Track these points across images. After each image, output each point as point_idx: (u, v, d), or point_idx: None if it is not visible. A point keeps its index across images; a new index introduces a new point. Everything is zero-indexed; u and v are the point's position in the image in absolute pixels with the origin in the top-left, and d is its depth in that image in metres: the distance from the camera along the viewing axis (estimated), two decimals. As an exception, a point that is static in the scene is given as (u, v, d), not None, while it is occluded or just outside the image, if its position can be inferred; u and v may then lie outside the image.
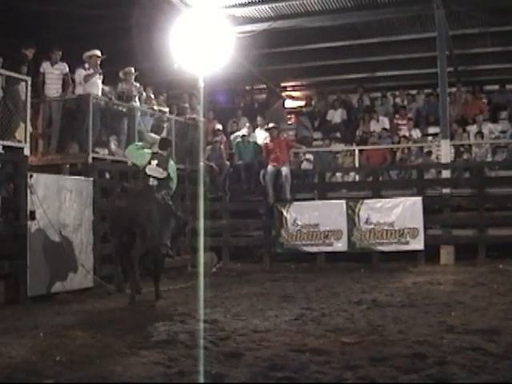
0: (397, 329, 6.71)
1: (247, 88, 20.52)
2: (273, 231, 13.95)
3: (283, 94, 20.73)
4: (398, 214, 13.08)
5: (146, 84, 13.94)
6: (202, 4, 13.83)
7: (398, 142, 15.72)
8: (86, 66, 11.90)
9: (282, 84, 20.42)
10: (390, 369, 5.10)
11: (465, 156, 14.83)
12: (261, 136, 15.43)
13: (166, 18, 13.18)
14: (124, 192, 9.53)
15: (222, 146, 15.26)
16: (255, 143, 15.24)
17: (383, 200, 13.41)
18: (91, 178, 10.97)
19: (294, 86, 20.70)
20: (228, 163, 14.91)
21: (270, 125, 14.81)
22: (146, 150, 9.90)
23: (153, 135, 13.32)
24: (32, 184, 9.48)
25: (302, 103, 20.03)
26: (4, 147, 9.43)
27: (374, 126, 16.56)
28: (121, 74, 13.01)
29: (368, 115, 17.16)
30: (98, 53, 12.00)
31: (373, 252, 13.24)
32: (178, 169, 10.49)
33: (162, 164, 9.65)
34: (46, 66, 11.80)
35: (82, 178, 10.88)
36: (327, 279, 11.31)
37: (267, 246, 14.10)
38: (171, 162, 10.01)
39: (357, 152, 15.32)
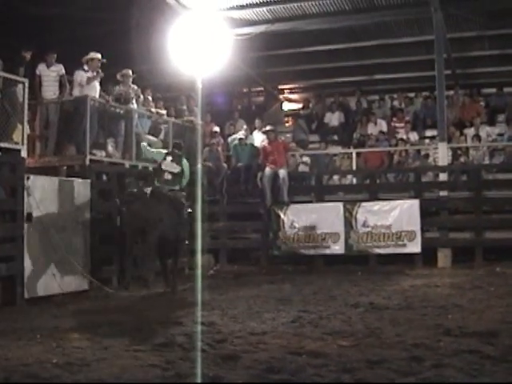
0: (394, 332, 6.70)
1: (245, 90, 20.52)
2: (270, 234, 13.94)
3: (281, 97, 20.75)
4: (396, 217, 13.08)
5: (144, 86, 13.94)
6: (200, 6, 13.85)
7: (396, 145, 15.72)
8: (86, 68, 11.91)
9: (280, 86, 20.45)
10: (387, 372, 5.09)
11: (462, 159, 14.83)
12: (258, 138, 15.42)
13: (164, 20, 13.21)
14: (133, 197, 10.05)
15: (219, 148, 15.25)
16: (252, 145, 15.23)
17: (380, 203, 13.41)
18: (88, 180, 10.98)
19: (291, 88, 20.72)
20: (225, 165, 14.91)
21: (267, 127, 14.80)
22: (161, 150, 10.87)
23: (150, 137, 13.35)
24: (29, 186, 9.49)
25: (300, 106, 20.05)
26: (1, 149, 9.42)
27: (372, 129, 16.58)
28: (118, 76, 13.02)
29: (366, 118, 17.18)
30: (99, 56, 12.01)
31: (370, 255, 13.23)
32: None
33: (176, 160, 10.44)
34: (41, 68, 11.80)
35: (80, 180, 10.87)
36: (324, 282, 11.29)
37: (264, 248, 14.10)
38: (184, 160, 10.66)
39: (354, 155, 15.32)
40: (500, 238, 12.89)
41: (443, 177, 13.77)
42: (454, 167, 14.27)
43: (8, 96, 9.75)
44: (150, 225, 9.43)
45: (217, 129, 16.04)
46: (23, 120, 9.92)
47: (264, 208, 14.02)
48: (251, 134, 15.86)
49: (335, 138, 17.80)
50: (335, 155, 16.45)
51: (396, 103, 18.34)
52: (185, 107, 15.48)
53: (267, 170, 14.06)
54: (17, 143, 9.73)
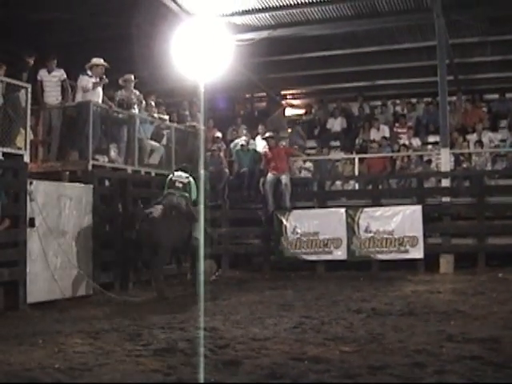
0: (396, 337, 6.69)
1: (247, 96, 20.54)
2: (272, 239, 13.94)
3: (283, 103, 20.76)
4: (398, 223, 13.07)
5: (147, 92, 13.96)
6: (202, 12, 13.87)
7: (398, 151, 15.72)
8: (89, 73, 11.93)
9: (282, 92, 20.43)
10: (389, 378, 5.09)
11: (464, 165, 14.82)
12: (261, 144, 15.43)
13: (167, 25, 13.22)
14: (147, 217, 10.64)
15: (221, 154, 15.26)
16: (255, 151, 15.25)
17: (383, 208, 13.40)
18: (91, 185, 11.00)
19: (294, 94, 20.71)
20: (227, 171, 14.91)
21: (267, 134, 14.79)
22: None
23: (153, 143, 13.37)
24: (32, 191, 9.51)
25: (302, 111, 20.06)
26: (4, 154, 9.43)
27: (374, 135, 16.58)
28: (120, 81, 13.05)
29: (368, 124, 17.19)
30: (103, 62, 12.04)
31: (372, 260, 13.22)
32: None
33: (185, 173, 11.55)
34: (43, 74, 11.81)
35: (82, 185, 10.90)
36: (326, 287, 11.29)
37: (267, 254, 14.10)
38: (191, 179, 11.52)
39: (357, 160, 15.31)
40: (502, 244, 12.86)
41: (445, 183, 13.75)
42: (456, 173, 14.25)
43: (11, 101, 9.77)
44: (162, 242, 10.56)
45: (219, 134, 16.06)
46: (26, 125, 9.94)
47: (266, 214, 14.02)
48: (254, 139, 15.88)
49: (337, 143, 17.80)
50: (337, 161, 16.45)
51: (398, 109, 18.34)
52: (187, 112, 15.51)
53: (269, 175, 14.07)
54: (19, 148, 9.74)
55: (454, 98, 17.28)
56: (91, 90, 11.79)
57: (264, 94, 20.33)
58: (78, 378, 5.26)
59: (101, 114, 11.89)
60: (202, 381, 5.10)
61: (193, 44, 12.75)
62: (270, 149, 14.45)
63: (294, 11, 14.19)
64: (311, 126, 18.78)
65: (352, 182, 15.45)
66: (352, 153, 16.47)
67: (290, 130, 18.42)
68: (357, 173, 15.19)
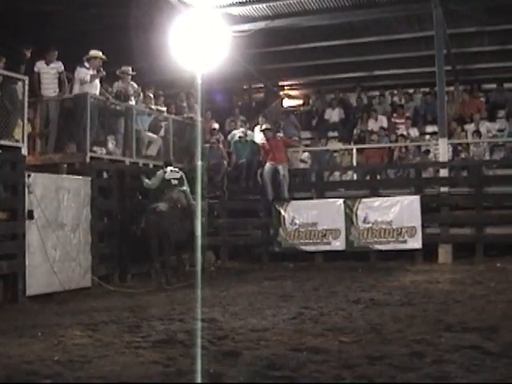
0: (395, 327, 6.71)
1: (245, 87, 20.49)
2: (271, 230, 13.96)
3: (281, 93, 20.73)
4: (396, 213, 13.09)
5: (145, 84, 13.93)
6: (200, 3, 13.82)
7: (396, 141, 15.71)
8: (87, 65, 11.90)
9: (280, 83, 20.42)
10: (388, 367, 5.10)
11: (462, 155, 14.81)
12: (259, 135, 15.39)
13: (164, 17, 13.17)
14: (155, 211, 11.13)
15: (220, 146, 15.25)
16: (253, 142, 15.22)
17: (381, 199, 13.42)
18: (89, 178, 11.00)
19: (291, 84, 20.68)
20: (225, 162, 14.90)
21: (264, 126, 14.76)
22: (157, 175, 12.03)
23: (150, 134, 13.35)
24: (30, 183, 9.50)
25: (300, 102, 20.03)
26: (2, 147, 9.43)
27: (372, 125, 16.57)
28: (118, 73, 13.02)
29: (366, 114, 17.17)
30: (101, 55, 12.01)
31: (371, 251, 13.25)
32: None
33: (172, 166, 12.17)
34: (40, 66, 11.75)
35: (80, 177, 10.89)
36: (325, 278, 11.31)
37: (265, 245, 14.11)
38: (181, 173, 12.18)
39: (354, 151, 15.30)
40: (500, 234, 12.88)
41: (444, 173, 13.77)
42: (454, 163, 14.26)
43: (8, 93, 9.76)
44: (167, 234, 11.14)
45: (216, 126, 16.03)
46: (24, 118, 9.93)
47: (266, 203, 14.02)
48: (252, 130, 15.84)
49: (335, 134, 17.79)
50: (336, 151, 16.45)
51: (396, 99, 18.32)
52: (185, 104, 15.48)
53: (267, 165, 14.07)
54: (17, 141, 9.74)
55: (452, 88, 17.27)
56: (89, 82, 11.76)
57: (262, 84, 20.30)
58: (77, 370, 5.26)
59: (98, 105, 11.87)
60: (200, 372, 5.10)
61: (190, 35, 12.69)
62: (267, 140, 14.43)
63: (291, 2, 14.15)
64: (309, 116, 18.78)
65: (350, 173, 15.45)
66: (350, 143, 16.47)
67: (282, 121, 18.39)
68: (355, 163, 15.19)
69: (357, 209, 13.30)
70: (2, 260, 9.09)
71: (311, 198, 14.19)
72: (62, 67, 11.96)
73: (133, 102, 12.94)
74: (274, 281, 11.24)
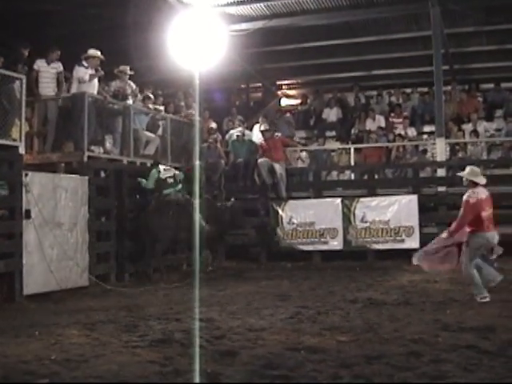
0: (392, 327, 6.71)
1: (243, 86, 20.47)
2: (268, 230, 13.95)
3: (279, 93, 20.72)
4: (394, 213, 13.11)
5: (143, 83, 13.91)
6: (198, 2, 13.82)
7: (394, 141, 15.72)
8: (85, 64, 11.87)
9: (278, 82, 20.43)
10: (385, 367, 5.10)
11: (460, 154, 14.82)
12: (257, 135, 15.39)
13: (162, 16, 13.18)
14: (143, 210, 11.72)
15: (218, 145, 15.24)
16: (251, 141, 15.22)
17: (379, 198, 13.43)
18: (86, 177, 10.97)
19: (289, 84, 20.69)
20: (223, 162, 14.89)
21: (262, 127, 14.75)
22: (151, 175, 12.11)
23: (148, 133, 13.34)
24: (27, 182, 9.48)
25: (298, 101, 20.03)
26: (-1, 146, 9.41)
27: (370, 125, 16.57)
28: (116, 72, 13.00)
29: (364, 114, 17.17)
30: (99, 54, 11.99)
31: (368, 250, 13.26)
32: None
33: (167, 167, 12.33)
34: (40, 64, 11.70)
35: (78, 176, 10.87)
36: (323, 278, 11.31)
37: (263, 244, 14.10)
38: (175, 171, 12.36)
39: (352, 150, 15.30)
40: (498, 234, 12.85)
41: (441, 172, 13.79)
42: (451, 163, 14.26)
43: (6, 92, 9.73)
44: (155, 233, 11.50)
45: (214, 125, 16.02)
46: (21, 117, 9.91)
47: (262, 204, 14.02)
48: (251, 130, 15.82)
49: (333, 133, 17.78)
50: (333, 151, 16.45)
51: (394, 99, 18.30)
52: (183, 103, 15.46)
53: (263, 159, 14.09)
54: (15, 140, 9.72)
55: (450, 88, 17.26)
56: (87, 81, 11.75)
57: (259, 84, 20.31)
58: (74, 369, 5.26)
59: (96, 105, 11.85)
60: (198, 371, 5.10)
61: (188, 34, 12.70)
62: (265, 140, 14.43)
63: (289, 1, 14.18)
64: (307, 115, 18.76)
65: (348, 172, 15.46)
66: (348, 143, 16.47)
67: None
68: (353, 163, 15.19)
69: (354, 208, 13.32)
70: (-1, 259, 9.09)
71: (309, 198, 14.19)
72: (62, 68, 11.94)
73: (130, 102, 12.92)
74: (271, 280, 11.24)
